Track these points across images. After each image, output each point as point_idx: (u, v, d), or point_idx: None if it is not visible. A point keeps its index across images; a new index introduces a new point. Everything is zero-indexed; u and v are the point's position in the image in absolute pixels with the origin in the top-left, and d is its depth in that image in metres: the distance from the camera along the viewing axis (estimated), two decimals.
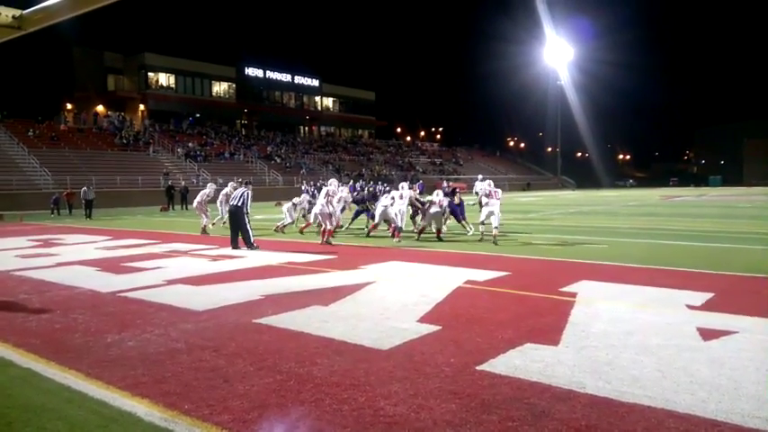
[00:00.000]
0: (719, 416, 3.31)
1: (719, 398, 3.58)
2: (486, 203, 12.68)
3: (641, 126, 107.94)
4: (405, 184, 14.69)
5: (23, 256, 11.47)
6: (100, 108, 56.01)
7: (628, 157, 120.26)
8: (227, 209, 13.04)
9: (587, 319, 5.58)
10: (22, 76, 50.39)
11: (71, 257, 11.13)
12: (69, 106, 55.31)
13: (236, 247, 11.95)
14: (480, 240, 12.69)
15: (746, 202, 31.14)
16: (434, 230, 13.54)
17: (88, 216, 24.39)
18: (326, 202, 12.96)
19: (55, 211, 27.42)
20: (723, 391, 3.70)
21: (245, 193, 12.16)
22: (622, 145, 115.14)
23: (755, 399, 3.56)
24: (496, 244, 11.98)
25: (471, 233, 14.01)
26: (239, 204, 11.96)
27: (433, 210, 13.15)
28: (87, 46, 57.94)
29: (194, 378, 4.19)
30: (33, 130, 43.79)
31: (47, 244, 13.99)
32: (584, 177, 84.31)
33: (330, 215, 13.02)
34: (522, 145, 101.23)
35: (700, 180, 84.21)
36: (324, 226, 13.03)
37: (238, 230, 12.05)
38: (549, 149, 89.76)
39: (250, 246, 11.81)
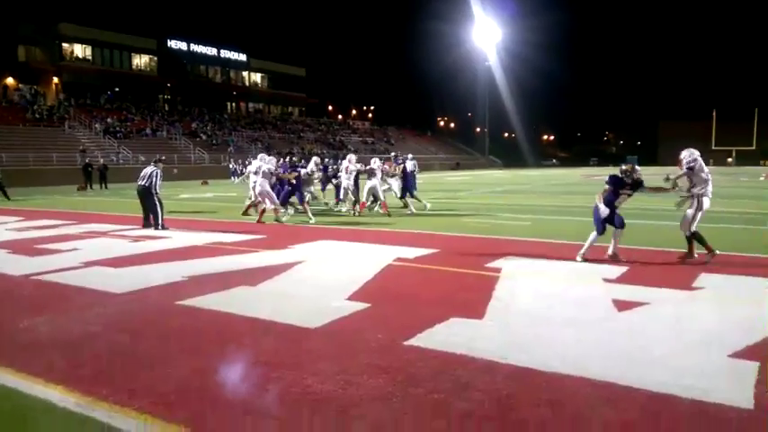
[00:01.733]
0: (634, 383, 3.51)
1: (633, 366, 3.80)
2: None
3: (564, 108, 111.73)
4: (376, 159, 14.84)
5: None
6: (10, 81, 52.14)
7: (552, 137, 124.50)
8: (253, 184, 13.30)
9: (510, 294, 5.77)
10: None
11: None
12: None
13: (146, 226, 11.64)
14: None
15: (660, 180, 32.91)
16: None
17: None
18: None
19: None
20: (637, 359, 3.93)
21: (155, 173, 11.70)
22: (547, 126, 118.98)
23: (666, 366, 3.79)
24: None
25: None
26: (147, 185, 11.55)
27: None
28: None
29: (113, 362, 4.03)
30: None
31: None
32: (510, 157, 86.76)
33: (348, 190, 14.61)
34: (453, 125, 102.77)
35: (618, 160, 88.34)
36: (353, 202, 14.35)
37: (148, 210, 11.69)
38: (478, 130, 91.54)
39: (158, 226, 11.47)
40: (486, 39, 74.37)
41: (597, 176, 40.70)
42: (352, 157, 15.07)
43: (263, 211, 12.80)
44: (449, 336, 4.45)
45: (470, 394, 3.38)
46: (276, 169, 13.23)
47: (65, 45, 56.74)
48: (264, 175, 12.66)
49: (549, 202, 18.05)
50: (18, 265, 7.71)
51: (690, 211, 7.37)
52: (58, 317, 5.19)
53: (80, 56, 58.38)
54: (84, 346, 4.37)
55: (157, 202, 11.60)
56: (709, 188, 7.40)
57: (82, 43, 58.06)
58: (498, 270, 6.93)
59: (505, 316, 5.01)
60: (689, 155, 7.50)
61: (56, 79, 55.79)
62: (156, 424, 3.06)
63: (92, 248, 9.14)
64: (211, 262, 7.82)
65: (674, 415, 3.14)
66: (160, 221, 11.54)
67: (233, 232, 10.97)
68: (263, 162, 13.06)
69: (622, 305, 5.26)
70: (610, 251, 7.48)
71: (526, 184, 32.31)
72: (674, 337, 4.41)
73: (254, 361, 4.01)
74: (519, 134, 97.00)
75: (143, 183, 11.60)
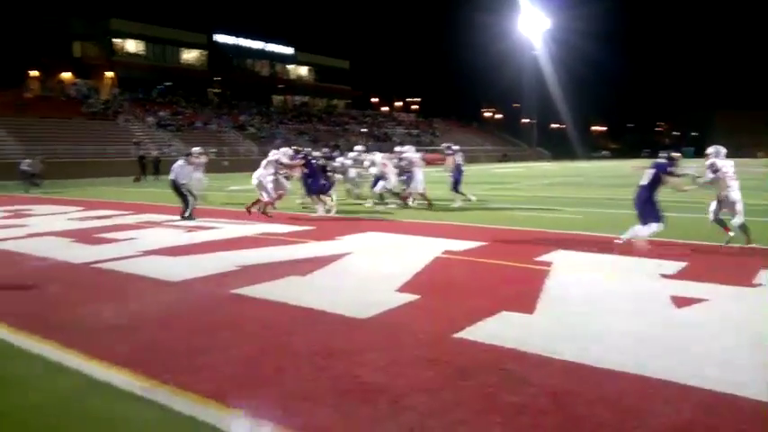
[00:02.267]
0: (691, 381, 3.41)
1: (691, 363, 3.69)
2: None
3: (615, 97, 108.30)
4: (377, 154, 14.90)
5: None
6: (66, 75, 54.22)
7: (602, 128, 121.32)
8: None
9: (562, 288, 5.68)
10: None
11: (43, 228, 10.88)
12: (34, 73, 53.42)
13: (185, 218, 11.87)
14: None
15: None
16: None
17: (31, 188, 22.32)
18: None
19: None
20: (695, 357, 3.82)
21: (180, 165, 12.03)
22: (597, 116, 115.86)
23: (725, 364, 3.67)
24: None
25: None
26: (172, 178, 11.95)
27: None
28: (52, 11, 55.76)
29: (173, 348, 4.17)
30: None
31: (16, 215, 13.66)
32: (559, 149, 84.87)
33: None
34: (499, 116, 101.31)
35: (672, 151, 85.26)
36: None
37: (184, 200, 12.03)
38: (525, 121, 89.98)
39: (183, 216, 11.76)
40: (533, 28, 72.87)
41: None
42: (410, 148, 15.11)
43: (258, 201, 12.64)
44: (499, 329, 4.42)
45: (523, 389, 3.35)
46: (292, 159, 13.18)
47: (116, 40, 58.53)
48: (269, 165, 12.67)
49: (601, 195, 17.64)
50: (80, 253, 8.05)
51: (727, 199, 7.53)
52: (119, 303, 5.40)
53: (132, 51, 60.14)
54: (143, 332, 4.54)
55: (186, 193, 11.88)
56: (730, 183, 7.41)
57: (133, 38, 59.80)
58: (549, 264, 6.82)
59: (558, 310, 4.94)
60: (713, 152, 7.61)
61: (109, 74, 57.65)
62: (215, 408, 3.15)
63: (148, 238, 9.46)
64: (262, 252, 7.98)
65: (734, 415, 3.04)
66: (187, 212, 11.80)
67: (281, 223, 11.15)
68: (277, 154, 13.17)
69: (681, 301, 5.11)
70: (626, 236, 7.55)
71: (576, 176, 31.63)
72: (734, 334, 4.26)
73: (305, 350, 4.08)
74: (568, 125, 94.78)
75: (171, 176, 12.02)
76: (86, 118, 45.19)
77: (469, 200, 14.77)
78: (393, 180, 14.33)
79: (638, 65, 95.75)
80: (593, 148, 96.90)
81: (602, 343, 4.10)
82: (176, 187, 11.90)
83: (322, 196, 12.83)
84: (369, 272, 6.65)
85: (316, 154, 15.37)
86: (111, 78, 57.11)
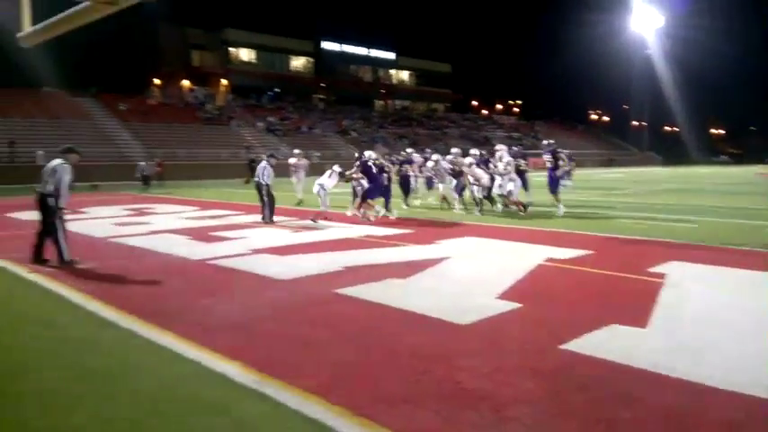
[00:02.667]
0: None
1: None
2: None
3: (737, 98, 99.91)
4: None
5: (119, 224, 12.24)
6: (185, 83, 58.29)
7: (721, 131, 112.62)
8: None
9: (678, 302, 5.34)
10: (110, 52, 52.90)
11: (162, 226, 11.77)
12: (156, 81, 57.85)
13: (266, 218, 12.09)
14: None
15: None
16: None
17: (147, 189, 23.66)
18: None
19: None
20: None
21: (261, 168, 12.32)
22: (715, 118, 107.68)
23: None
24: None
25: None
26: (257, 180, 12.24)
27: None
28: (171, 22, 60.11)
29: (281, 343, 4.37)
30: (124, 104, 46.23)
31: (140, 213, 14.86)
32: (672, 153, 79.68)
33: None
34: (606, 118, 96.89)
35: None
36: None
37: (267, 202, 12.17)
38: (635, 123, 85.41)
39: (264, 217, 12.04)
40: (645, 26, 69.01)
41: None
42: (503, 147, 14.54)
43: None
44: (608, 343, 4.23)
45: (633, 405, 3.20)
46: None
47: (232, 50, 62.13)
48: (333, 175, 12.65)
49: (719, 203, 16.38)
50: (196, 251, 8.61)
51: None
52: (231, 299, 5.73)
53: (245, 59, 63.57)
54: (255, 327, 4.79)
55: (266, 196, 12.08)
56: None
57: (247, 47, 63.20)
58: (662, 276, 6.43)
59: (673, 325, 4.65)
60: None
61: (224, 81, 61.30)
62: (320, 404, 3.27)
63: (258, 237, 9.95)
64: (365, 254, 8.15)
65: None
66: (267, 215, 12.05)
67: (382, 226, 11.33)
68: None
69: None
70: None
71: (691, 182, 29.59)
72: None
73: (406, 352, 4.12)
74: (682, 128, 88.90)
75: (255, 178, 12.47)
76: (202, 123, 48.32)
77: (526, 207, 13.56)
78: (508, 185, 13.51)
79: (762, 62, 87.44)
80: (710, 153, 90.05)
81: (722, 361, 3.82)
82: (259, 188, 12.21)
83: (370, 201, 12.62)
84: (468, 277, 6.60)
85: (399, 156, 15.82)
86: (226, 86, 60.69)
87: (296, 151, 18.52)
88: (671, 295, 5.60)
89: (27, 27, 5.25)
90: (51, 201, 7.40)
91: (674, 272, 6.64)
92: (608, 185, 26.07)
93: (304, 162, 17.59)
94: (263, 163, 12.51)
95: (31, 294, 6.17)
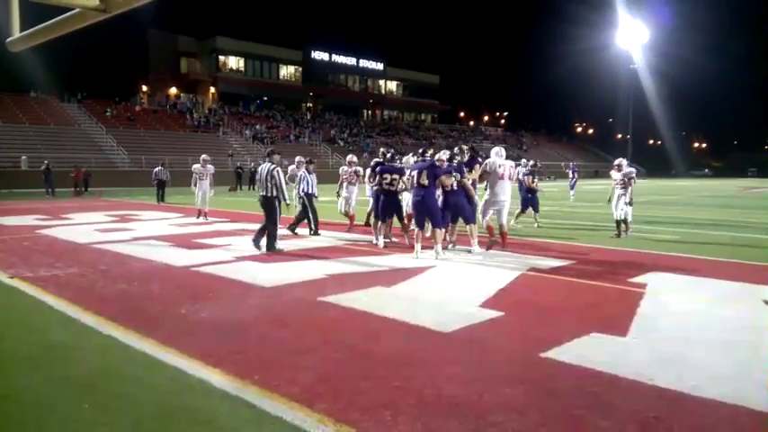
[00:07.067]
0: None
1: None
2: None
3: (719, 113, 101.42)
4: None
5: (102, 230, 12.13)
6: (173, 90, 58.08)
7: (704, 145, 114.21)
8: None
9: (657, 312, 5.41)
10: (99, 58, 52.78)
11: (146, 233, 11.69)
12: (144, 88, 57.62)
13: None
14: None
15: None
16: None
17: (161, 199, 21.26)
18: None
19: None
20: None
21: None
22: (698, 132, 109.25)
23: None
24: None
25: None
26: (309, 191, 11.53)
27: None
28: (162, 30, 60.01)
29: (263, 350, 4.36)
30: (111, 110, 45.94)
31: (123, 219, 14.74)
32: (655, 166, 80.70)
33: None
34: (591, 131, 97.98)
35: None
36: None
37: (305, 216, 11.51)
38: (619, 136, 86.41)
39: (314, 233, 11.40)
40: (631, 40, 69.97)
41: (757, 189, 36.80)
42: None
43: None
44: (588, 351, 4.28)
45: (613, 413, 3.23)
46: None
47: (221, 57, 62.03)
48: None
49: (701, 216, 16.61)
50: (180, 258, 8.57)
51: None
52: (214, 306, 5.70)
53: (234, 67, 63.50)
54: (237, 334, 4.77)
55: (310, 206, 11.42)
56: None
57: (236, 55, 63.14)
58: (643, 286, 6.51)
59: (652, 335, 4.71)
60: None
61: (212, 89, 61.16)
62: (301, 411, 3.26)
63: (242, 245, 9.91)
64: (350, 262, 8.16)
65: None
66: (313, 228, 11.44)
67: (369, 234, 11.32)
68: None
69: None
70: None
71: (673, 194, 29.97)
72: None
73: (388, 359, 4.13)
74: (666, 141, 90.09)
75: (297, 191, 11.68)
76: (190, 130, 48.09)
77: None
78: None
79: (744, 77, 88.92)
80: (693, 166, 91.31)
81: (699, 370, 3.87)
82: (309, 200, 11.59)
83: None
84: (452, 286, 6.63)
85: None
86: (214, 93, 60.56)
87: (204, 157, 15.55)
88: (651, 305, 5.67)
89: (16, 33, 5.21)
90: (276, 202, 8.84)
91: (655, 282, 6.73)
92: (591, 197, 26.30)
93: (210, 168, 15.17)
94: (301, 173, 11.43)
95: (11, 300, 6.09)
